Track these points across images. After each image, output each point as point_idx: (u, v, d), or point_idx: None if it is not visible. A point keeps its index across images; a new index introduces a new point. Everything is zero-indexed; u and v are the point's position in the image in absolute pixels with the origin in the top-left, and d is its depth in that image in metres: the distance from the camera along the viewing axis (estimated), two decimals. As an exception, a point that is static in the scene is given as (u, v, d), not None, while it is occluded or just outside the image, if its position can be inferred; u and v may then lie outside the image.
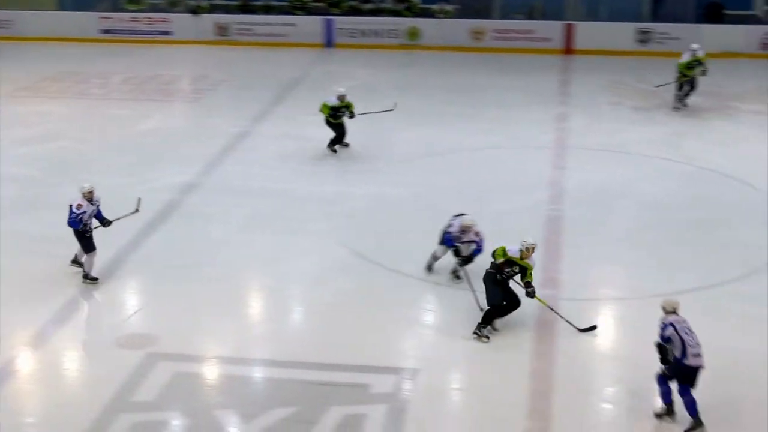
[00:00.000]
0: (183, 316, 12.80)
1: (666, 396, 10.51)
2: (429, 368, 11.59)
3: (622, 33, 27.89)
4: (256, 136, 20.57)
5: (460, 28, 28.59)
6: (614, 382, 11.48)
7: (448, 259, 13.61)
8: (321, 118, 18.75)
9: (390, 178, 17.86)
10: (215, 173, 18.08)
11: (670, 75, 23.20)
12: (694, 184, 17.67)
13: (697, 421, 10.29)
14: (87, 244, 13.51)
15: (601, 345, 12.34)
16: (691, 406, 10.28)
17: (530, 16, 29.38)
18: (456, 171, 18.29)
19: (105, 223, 13.55)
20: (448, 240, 13.36)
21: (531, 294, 12.07)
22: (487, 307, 12.22)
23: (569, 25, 28.05)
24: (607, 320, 12.94)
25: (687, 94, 21.74)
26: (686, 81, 21.60)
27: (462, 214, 13.44)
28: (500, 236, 13.07)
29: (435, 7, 29.36)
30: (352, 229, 15.69)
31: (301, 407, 10.74)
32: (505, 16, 29.41)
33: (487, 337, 12.16)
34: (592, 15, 29.07)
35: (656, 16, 28.63)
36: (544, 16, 29.06)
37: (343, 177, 18.00)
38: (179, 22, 29.82)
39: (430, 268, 13.89)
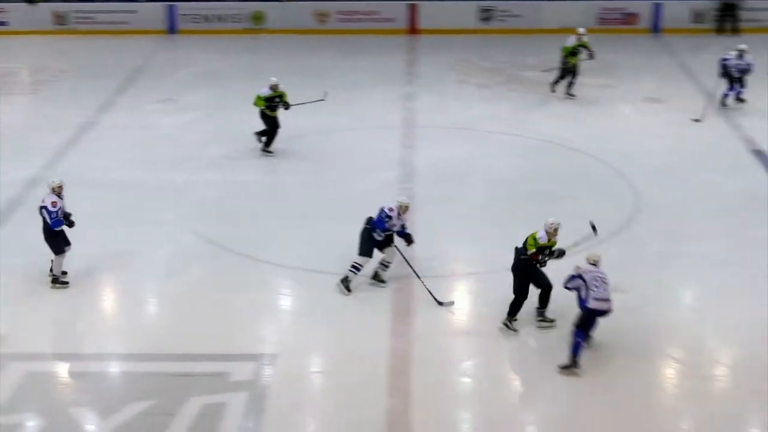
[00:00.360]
0: (32, 314, 12.44)
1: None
2: (288, 353, 11.59)
3: (464, 12, 28.25)
4: (100, 126, 20.07)
5: (304, 10, 28.48)
6: (471, 356, 11.71)
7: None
8: (164, 107, 18.33)
9: (239, 165, 17.72)
10: (60, 166, 17.57)
11: (512, 52, 23.77)
12: (539, 158, 18.11)
13: (573, 362, 11.09)
14: (59, 243, 12.95)
15: (456, 320, 12.55)
16: (576, 347, 11.08)
17: (369, -3, 29.46)
18: (306, 154, 18.26)
19: (71, 222, 12.97)
20: (380, 224, 12.70)
21: (543, 263, 11.93)
22: (513, 297, 11.97)
23: (413, 5, 28.27)
24: (462, 295, 13.15)
25: (571, 84, 21.43)
26: (569, 68, 21.28)
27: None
28: (354, 217, 13.14)
29: (278, -11, 29.19)
30: (204, 217, 15.51)
31: (159, 400, 10.60)
32: (348, -2, 29.38)
33: (516, 330, 11.99)
34: (436, -6, 29.36)
35: (498, -5, 29.07)
36: (388, -3, 29.18)
37: (192, 165, 17.73)
38: (15, 11, 28.74)
39: (346, 282, 13.06)
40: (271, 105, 17.97)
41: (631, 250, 14.12)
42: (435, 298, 12.69)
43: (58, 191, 12.78)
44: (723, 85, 20.26)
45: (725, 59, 20.14)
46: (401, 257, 13.02)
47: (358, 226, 12.84)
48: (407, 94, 22.20)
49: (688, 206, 15.80)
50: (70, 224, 12.93)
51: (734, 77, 20.07)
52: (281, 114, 18.11)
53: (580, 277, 11.10)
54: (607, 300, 11.07)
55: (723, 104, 20.39)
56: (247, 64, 25.07)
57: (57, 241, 12.93)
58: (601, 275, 11.10)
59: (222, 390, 10.84)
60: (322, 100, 18.75)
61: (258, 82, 18.63)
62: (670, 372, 11.46)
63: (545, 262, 11.91)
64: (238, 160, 17.94)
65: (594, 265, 11.19)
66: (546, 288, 12.02)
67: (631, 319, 12.07)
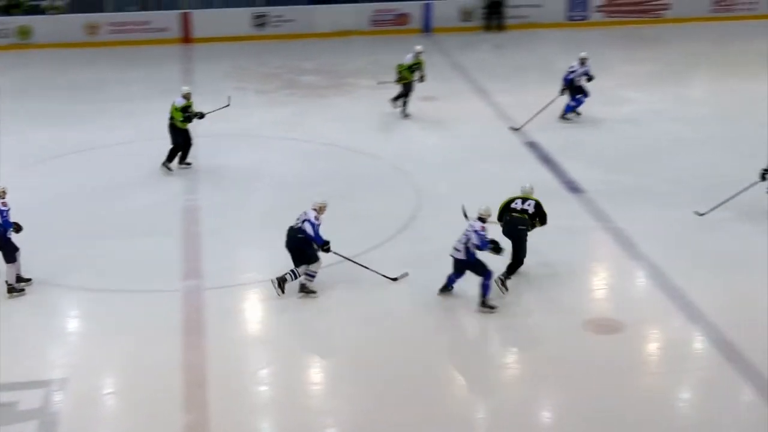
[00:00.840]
0: None
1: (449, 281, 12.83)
2: (78, 376, 11.26)
3: (238, 19, 28.22)
4: None
5: (73, 23, 27.68)
6: (266, 364, 11.72)
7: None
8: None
9: (17, 184, 17.01)
10: None
11: (288, 57, 23.86)
12: (322, 161, 18.27)
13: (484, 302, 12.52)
14: (11, 249, 12.78)
15: (248, 329, 12.56)
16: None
17: (144, 7, 28.97)
18: (88, 170, 17.79)
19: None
20: (318, 239, 12.76)
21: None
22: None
23: (185, 13, 27.99)
24: (253, 304, 13.14)
25: (405, 103, 20.62)
26: (405, 85, 20.47)
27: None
28: (140, 231, 12.91)
29: (45, 3, 28.24)
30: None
31: (-57, 438, 10.10)
32: (119, 9, 28.75)
33: (507, 288, 12.98)
34: (207, 3, 29.13)
35: (270, 0, 29.16)
36: (160, 6, 28.76)
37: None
38: None
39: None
40: (187, 116, 17.37)
41: (420, 245, 14.45)
42: (387, 276, 13.17)
43: (3, 195, 12.81)
44: (566, 97, 20.26)
45: (571, 71, 19.99)
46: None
47: (147, 241, 12.62)
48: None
49: (468, 198, 16.23)
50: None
51: (577, 86, 19.99)
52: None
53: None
54: (456, 249, 12.44)
55: (564, 117, 20.27)
56: (17, 82, 24.09)
57: (9, 247, 12.87)
58: (470, 227, 12.40)
59: (11, 421, 10.41)
60: (227, 105, 18.37)
61: (31, 99, 17.98)
62: (462, 362, 11.84)
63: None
64: (14, 178, 17.23)
65: (482, 220, 12.47)
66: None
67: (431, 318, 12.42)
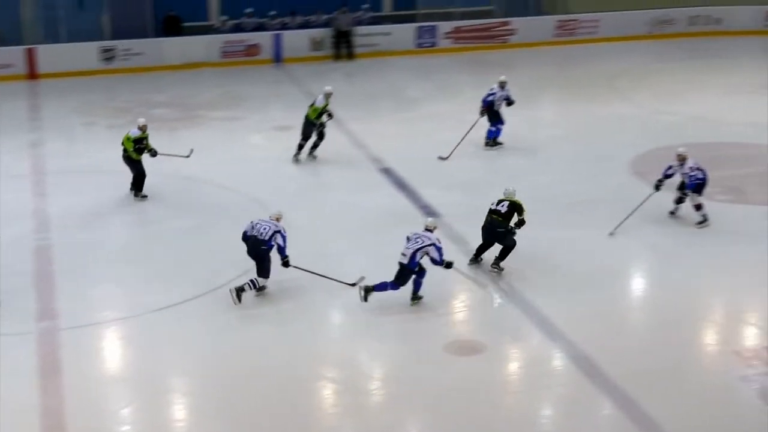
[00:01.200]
0: None
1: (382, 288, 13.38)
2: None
3: (85, 53, 27.58)
4: None
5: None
6: (127, 403, 11.45)
7: None
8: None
9: None
10: None
11: (138, 90, 23.43)
12: (174, 194, 17.95)
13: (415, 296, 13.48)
14: None
15: (108, 368, 12.25)
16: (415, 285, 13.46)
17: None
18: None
19: None
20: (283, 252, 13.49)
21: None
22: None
23: (30, 49, 27.22)
24: (112, 342, 12.84)
25: (316, 145, 19.56)
26: (318, 128, 19.35)
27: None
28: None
29: None
30: None
31: None
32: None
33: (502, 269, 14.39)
34: (53, 37, 28.37)
35: (117, 34, 28.64)
36: (3, 42, 27.90)
37: None
38: None
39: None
40: (139, 147, 17.26)
41: (277, 275, 14.35)
42: (345, 282, 13.74)
43: None
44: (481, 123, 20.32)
45: (491, 94, 19.93)
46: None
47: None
48: (33, 141, 21.32)
49: (328, 226, 16.35)
50: None
51: (496, 111, 20.01)
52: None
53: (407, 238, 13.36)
54: (403, 254, 13.15)
55: (489, 144, 20.26)
56: None
57: None
58: (419, 236, 13.22)
59: None
60: (187, 156, 18.00)
61: None
62: (326, 391, 11.82)
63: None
64: None
65: (429, 230, 13.42)
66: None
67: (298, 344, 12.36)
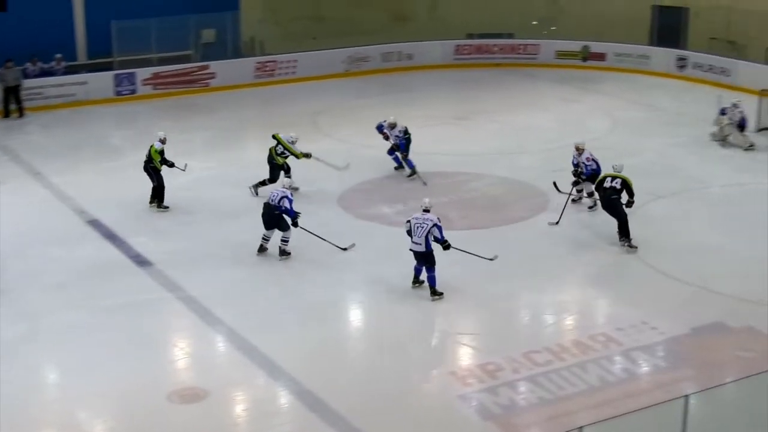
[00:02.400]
0: None
1: (417, 273, 15.17)
2: None
3: None
4: None
5: None
6: None
7: None
8: None
9: None
10: None
11: None
12: None
13: (433, 291, 14.93)
14: None
15: None
16: (430, 281, 14.99)
17: None
18: None
19: None
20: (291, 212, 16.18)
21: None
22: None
23: None
24: None
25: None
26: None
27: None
28: None
29: None
30: None
31: None
32: None
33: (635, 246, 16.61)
34: None
35: None
36: None
37: None
38: None
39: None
40: (164, 159, 18.82)
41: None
42: (337, 246, 16.28)
43: None
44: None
45: (381, 125, 21.11)
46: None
47: None
48: None
49: (33, 283, 15.61)
50: None
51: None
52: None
53: (409, 221, 14.91)
54: (417, 243, 14.68)
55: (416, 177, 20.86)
56: None
57: None
58: (422, 222, 14.68)
59: None
60: (183, 170, 19.37)
61: None
62: None
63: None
64: None
65: (426, 211, 14.88)
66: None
67: None
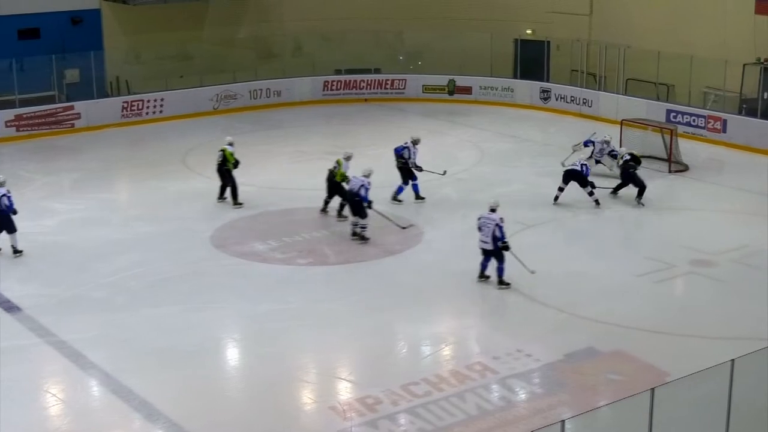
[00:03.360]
0: None
1: (483, 268, 16.72)
2: None
3: None
4: None
5: None
6: None
7: None
8: None
9: None
10: None
11: None
12: None
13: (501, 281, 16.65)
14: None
15: None
16: (498, 272, 16.64)
17: None
18: None
19: None
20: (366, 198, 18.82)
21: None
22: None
23: None
24: None
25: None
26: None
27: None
28: None
29: None
30: None
31: None
32: None
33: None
34: None
35: None
36: None
37: None
38: None
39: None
40: (237, 160, 21.28)
41: None
42: (397, 224, 18.89)
43: None
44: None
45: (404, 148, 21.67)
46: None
47: None
48: None
49: None
50: None
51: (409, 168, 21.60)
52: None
53: (479, 219, 16.52)
54: (484, 242, 16.33)
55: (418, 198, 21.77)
56: None
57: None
58: (489, 221, 16.23)
59: None
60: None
61: None
62: None
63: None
64: None
65: (492, 211, 16.41)
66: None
67: None
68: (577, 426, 10.53)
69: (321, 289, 16.90)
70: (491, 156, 25.86)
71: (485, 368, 13.89)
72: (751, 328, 14.84)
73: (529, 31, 33.51)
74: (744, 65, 27.57)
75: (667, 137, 24.48)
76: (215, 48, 33.94)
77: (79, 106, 29.50)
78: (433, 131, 28.30)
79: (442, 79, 33.38)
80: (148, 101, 30.67)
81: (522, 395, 13.34)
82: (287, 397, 13.39)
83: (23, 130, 28.54)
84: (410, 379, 13.54)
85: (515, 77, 32.70)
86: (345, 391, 13.50)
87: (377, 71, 34.28)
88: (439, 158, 25.16)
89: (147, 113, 30.62)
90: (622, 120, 25.76)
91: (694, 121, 27.67)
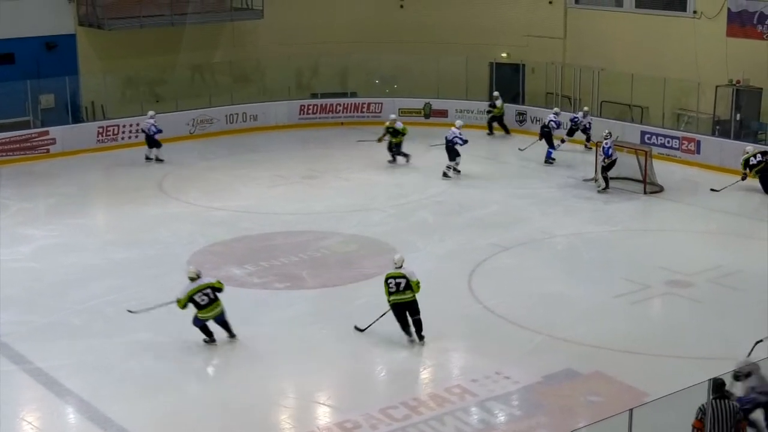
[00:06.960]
0: None
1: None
2: None
3: None
4: None
5: None
6: None
7: None
8: None
9: None
10: None
11: None
12: None
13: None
14: None
15: None
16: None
17: None
18: None
19: None
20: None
21: None
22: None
23: None
24: None
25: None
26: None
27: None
28: None
29: None
30: None
31: None
32: None
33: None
34: None
35: None
36: None
37: None
38: None
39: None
40: None
41: None
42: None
43: None
44: None
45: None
46: None
47: None
48: None
49: None
50: None
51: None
52: None
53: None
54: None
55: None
56: None
57: None
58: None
59: None
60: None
61: None
62: None
63: None
64: None
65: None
66: None
67: None
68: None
69: (298, 313, 16.85)
70: (467, 178, 25.92)
71: (464, 391, 13.88)
72: (728, 348, 14.90)
73: (504, 55, 33.69)
74: (717, 87, 27.80)
75: (642, 159, 24.65)
76: (191, 72, 33.95)
77: (54, 131, 29.37)
78: (411, 154, 28.33)
79: (418, 103, 33.50)
80: (124, 126, 30.56)
81: (501, 418, 13.34)
82: (266, 423, 13.33)
83: (-2, 156, 28.44)
84: (389, 402, 13.52)
85: (490, 100, 32.84)
86: (324, 416, 13.46)
87: (353, 95, 34.37)
88: (416, 181, 25.25)
89: (123, 138, 30.50)
90: (596, 142, 25.90)
91: (668, 142, 27.87)
